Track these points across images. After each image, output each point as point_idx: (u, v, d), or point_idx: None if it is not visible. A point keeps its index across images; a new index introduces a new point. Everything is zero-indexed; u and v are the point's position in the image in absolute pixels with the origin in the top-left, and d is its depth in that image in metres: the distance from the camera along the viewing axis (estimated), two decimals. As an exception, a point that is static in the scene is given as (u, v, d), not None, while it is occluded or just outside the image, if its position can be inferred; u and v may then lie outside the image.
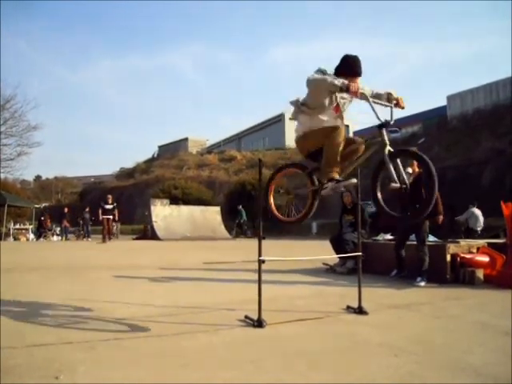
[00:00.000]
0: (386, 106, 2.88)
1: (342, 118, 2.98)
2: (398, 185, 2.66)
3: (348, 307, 3.41)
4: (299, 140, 3.08)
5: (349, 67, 2.86)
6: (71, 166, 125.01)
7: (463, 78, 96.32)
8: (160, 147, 54.27)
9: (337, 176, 2.87)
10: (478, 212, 12.62)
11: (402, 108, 2.92)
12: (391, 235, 6.58)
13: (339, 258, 6.03)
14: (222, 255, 8.73)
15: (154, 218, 17.48)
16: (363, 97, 2.74)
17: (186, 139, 51.34)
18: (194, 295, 4.17)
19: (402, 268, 5.38)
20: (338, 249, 6.12)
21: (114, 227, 17.00)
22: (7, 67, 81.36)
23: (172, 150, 48.20)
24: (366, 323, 3.04)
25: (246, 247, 10.76)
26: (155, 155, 52.47)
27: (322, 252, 6.30)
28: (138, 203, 32.72)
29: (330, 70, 2.89)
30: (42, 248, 13.20)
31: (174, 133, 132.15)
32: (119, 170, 53.74)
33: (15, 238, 19.65)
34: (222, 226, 19.05)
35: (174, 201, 22.31)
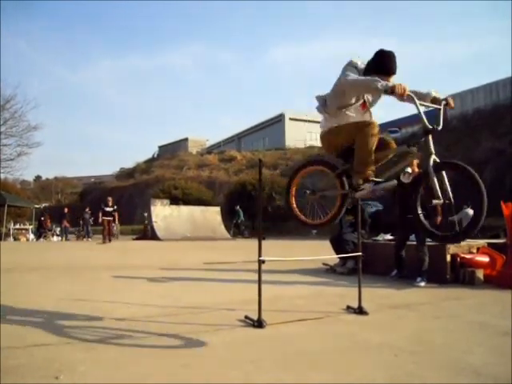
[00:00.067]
0: (435, 108, 2.57)
1: (369, 114, 2.81)
2: (441, 201, 2.39)
3: (348, 307, 3.41)
4: (325, 135, 2.87)
5: (383, 64, 2.62)
6: (71, 166, 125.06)
7: (463, 78, 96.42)
8: (160, 147, 54.27)
9: (372, 175, 2.67)
10: (472, 213, 12.59)
11: (452, 108, 2.61)
12: (391, 235, 6.58)
13: (339, 258, 6.03)
14: (222, 255, 8.73)
15: (154, 218, 17.50)
16: (409, 99, 2.43)
17: (186, 139, 51.35)
18: (194, 295, 4.17)
19: (402, 268, 5.37)
20: (338, 249, 6.12)
21: (114, 228, 17.01)
22: (7, 67, 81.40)
23: (172, 150, 48.20)
24: (366, 323, 3.04)
25: (246, 247, 10.76)
26: (155, 155, 52.47)
27: (322, 252, 6.30)
28: (138, 203, 32.74)
29: (362, 60, 2.69)
30: (42, 248, 13.20)
31: (174, 133, 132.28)
32: (119, 170, 53.76)
33: (15, 238, 19.66)
34: (222, 226, 19.06)
35: (174, 201, 22.32)
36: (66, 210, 20.86)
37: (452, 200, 2.40)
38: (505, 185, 16.48)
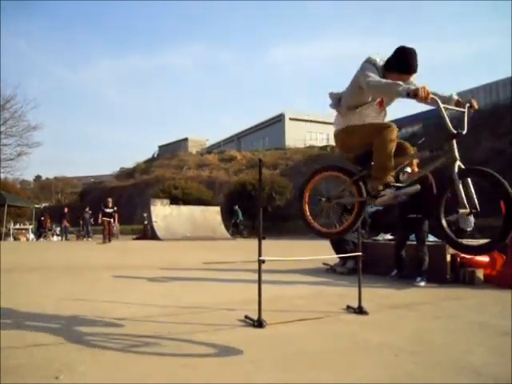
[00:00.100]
0: (459, 110, 2.45)
1: (385, 113, 2.71)
2: (467, 210, 2.26)
3: (348, 307, 3.41)
4: (339, 134, 2.74)
5: (405, 62, 2.48)
6: (71, 165, 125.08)
7: (463, 78, 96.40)
8: (160, 147, 54.26)
9: (392, 181, 2.54)
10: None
11: (477, 110, 2.49)
12: (391, 235, 6.58)
13: (339, 257, 6.03)
14: (221, 255, 8.73)
15: (153, 218, 17.50)
16: (433, 102, 2.29)
17: (185, 139, 51.34)
18: (194, 295, 4.17)
19: (402, 268, 5.37)
20: (338, 249, 6.12)
21: (114, 228, 17.05)
22: (7, 67, 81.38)
23: (172, 150, 48.18)
24: (366, 323, 3.04)
25: (246, 247, 10.76)
26: (155, 155, 52.45)
27: (322, 252, 6.30)
28: (138, 203, 32.73)
29: (381, 57, 2.55)
30: (42, 248, 13.21)
31: (174, 133, 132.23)
32: (119, 170, 53.72)
33: (15, 238, 19.68)
34: (222, 226, 19.07)
35: (174, 201, 22.33)
36: (65, 209, 20.90)
37: (478, 208, 2.26)
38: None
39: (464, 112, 2.42)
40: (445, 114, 2.32)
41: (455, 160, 2.31)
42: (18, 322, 2.89)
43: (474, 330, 2.87)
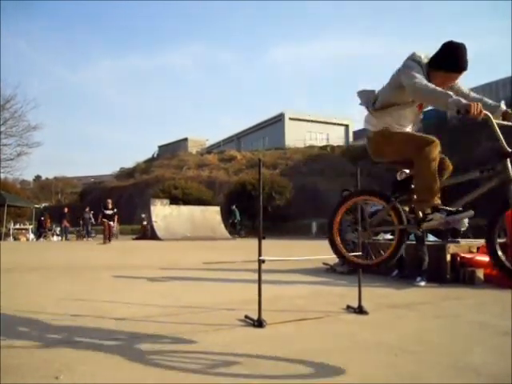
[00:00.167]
0: (507, 125, 2.22)
1: (421, 115, 2.52)
2: None
3: (348, 307, 3.41)
4: (376, 137, 2.47)
5: (454, 59, 2.22)
6: (71, 165, 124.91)
7: (463, 78, 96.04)
8: (160, 147, 54.26)
9: (440, 204, 2.28)
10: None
11: None
12: (391, 235, 6.57)
13: (339, 257, 6.02)
14: (221, 255, 8.73)
15: (153, 218, 17.50)
16: (486, 118, 2.05)
17: (185, 139, 51.35)
18: (194, 295, 4.17)
19: (403, 268, 5.37)
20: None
21: (114, 228, 17.06)
22: (7, 67, 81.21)
23: (172, 150, 48.19)
24: (366, 323, 3.04)
25: (246, 247, 10.76)
26: (155, 155, 52.45)
27: (322, 252, 6.29)
28: (138, 203, 32.71)
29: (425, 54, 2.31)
30: (42, 248, 13.21)
31: (174, 133, 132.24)
32: (119, 170, 53.68)
33: (15, 238, 19.68)
34: (222, 226, 19.08)
35: (174, 201, 22.33)
36: (65, 209, 20.88)
37: None
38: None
39: None
40: (498, 131, 2.10)
41: (511, 181, 2.07)
42: (18, 321, 2.89)
43: (474, 330, 2.87)
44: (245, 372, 1.97)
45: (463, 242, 5.61)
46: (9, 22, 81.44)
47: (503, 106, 2.25)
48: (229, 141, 51.04)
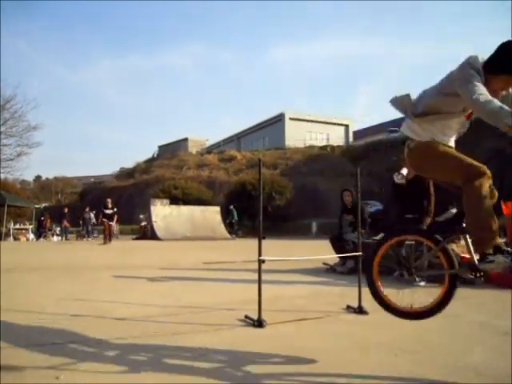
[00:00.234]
0: None
1: (468, 125, 2.32)
2: None
3: (348, 307, 3.41)
4: (420, 147, 2.19)
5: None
6: (71, 165, 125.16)
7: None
8: (160, 147, 54.29)
9: (503, 244, 2.06)
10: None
11: None
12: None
13: (339, 257, 6.03)
14: (221, 255, 8.73)
15: (154, 218, 17.50)
16: None
17: (185, 139, 51.36)
18: (194, 295, 4.17)
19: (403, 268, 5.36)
20: (337, 248, 6.12)
21: (114, 228, 17.07)
22: (7, 67, 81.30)
23: (172, 150, 48.18)
24: (366, 323, 3.05)
25: (246, 247, 10.76)
26: (155, 155, 52.46)
27: (322, 252, 6.30)
28: (137, 203, 32.70)
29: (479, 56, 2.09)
30: (42, 248, 13.20)
31: (174, 133, 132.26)
32: (119, 170, 53.67)
33: (15, 238, 19.68)
34: (222, 226, 19.07)
35: (174, 201, 22.32)
36: (65, 209, 20.88)
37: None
38: (505, 184, 16.49)
39: None
40: None
41: None
42: (18, 321, 2.89)
43: (474, 330, 2.87)
44: (245, 372, 1.97)
45: (463, 241, 5.60)
46: (9, 22, 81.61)
47: None
48: (229, 141, 51.06)
